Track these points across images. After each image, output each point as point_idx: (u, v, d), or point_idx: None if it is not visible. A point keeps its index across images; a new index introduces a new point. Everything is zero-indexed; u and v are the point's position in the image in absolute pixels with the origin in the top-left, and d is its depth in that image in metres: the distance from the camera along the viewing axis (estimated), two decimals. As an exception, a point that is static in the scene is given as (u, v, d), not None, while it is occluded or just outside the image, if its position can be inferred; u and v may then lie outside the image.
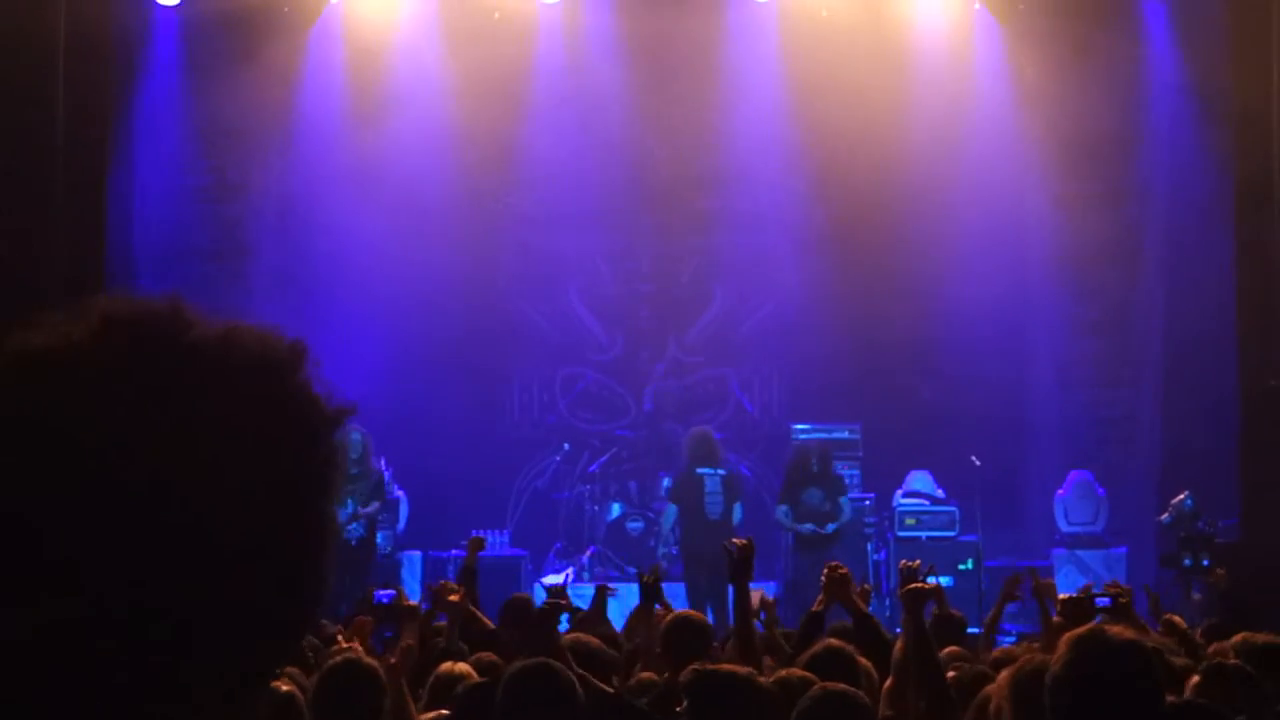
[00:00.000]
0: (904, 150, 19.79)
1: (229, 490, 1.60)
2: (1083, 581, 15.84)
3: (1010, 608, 11.41)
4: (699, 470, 17.49)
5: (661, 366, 20.78)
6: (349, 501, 16.99)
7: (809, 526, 17.30)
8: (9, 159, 16.65)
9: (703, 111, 20.37)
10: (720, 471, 17.58)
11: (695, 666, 6.24)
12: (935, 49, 19.81)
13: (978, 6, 19.60)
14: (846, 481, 18.06)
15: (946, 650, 8.59)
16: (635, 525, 19.15)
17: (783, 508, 17.64)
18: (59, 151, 17.01)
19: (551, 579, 16.71)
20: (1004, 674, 7.06)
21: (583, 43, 20.18)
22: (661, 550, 17.76)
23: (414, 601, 9.79)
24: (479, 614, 10.21)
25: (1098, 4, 19.38)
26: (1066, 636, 5.03)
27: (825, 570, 8.87)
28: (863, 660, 7.43)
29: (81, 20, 17.14)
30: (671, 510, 17.77)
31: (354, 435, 16.83)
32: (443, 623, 9.66)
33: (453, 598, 9.57)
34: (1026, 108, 19.60)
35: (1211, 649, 8.48)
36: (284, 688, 5.91)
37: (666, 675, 7.21)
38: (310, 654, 8.56)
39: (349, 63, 19.97)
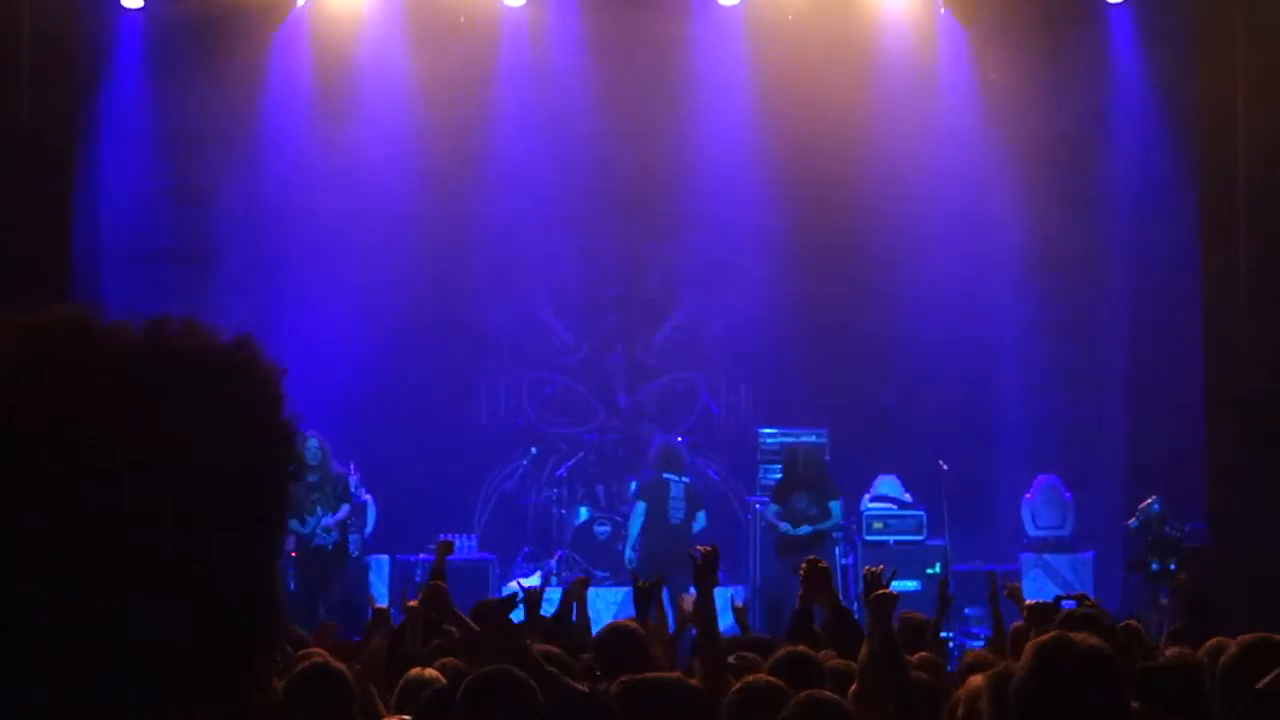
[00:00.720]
0: (869, 154, 19.79)
1: (157, 505, 1.55)
2: (1050, 585, 15.92)
3: (975, 611, 11.47)
4: (666, 475, 17.66)
5: (626, 370, 20.79)
6: (317, 509, 16.96)
7: (784, 526, 17.35)
8: (-27, 162, 16.61)
9: (669, 115, 20.35)
10: (685, 479, 17.82)
11: (624, 678, 6.21)
12: (900, 53, 19.82)
13: (942, 10, 19.61)
14: (837, 486, 18.06)
15: (916, 656, 8.59)
16: (603, 529, 19.14)
17: (773, 507, 17.74)
18: (24, 153, 16.95)
19: (529, 581, 16.65)
20: (978, 678, 7.07)
21: (548, 46, 20.16)
22: (628, 554, 17.81)
23: (382, 605, 9.76)
24: (460, 615, 10.20)
25: (1062, 8, 19.40)
26: (1031, 643, 5.02)
27: (804, 565, 8.78)
28: (840, 660, 7.41)
29: (46, 23, 17.09)
30: (640, 509, 17.83)
31: (311, 442, 16.81)
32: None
33: (411, 603, 9.57)
34: (991, 112, 19.61)
35: (1170, 652, 8.49)
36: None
37: (594, 685, 7.15)
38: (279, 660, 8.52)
39: (315, 65, 19.91)
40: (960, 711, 6.86)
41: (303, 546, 17.07)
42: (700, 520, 17.75)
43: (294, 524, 16.51)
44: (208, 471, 1.59)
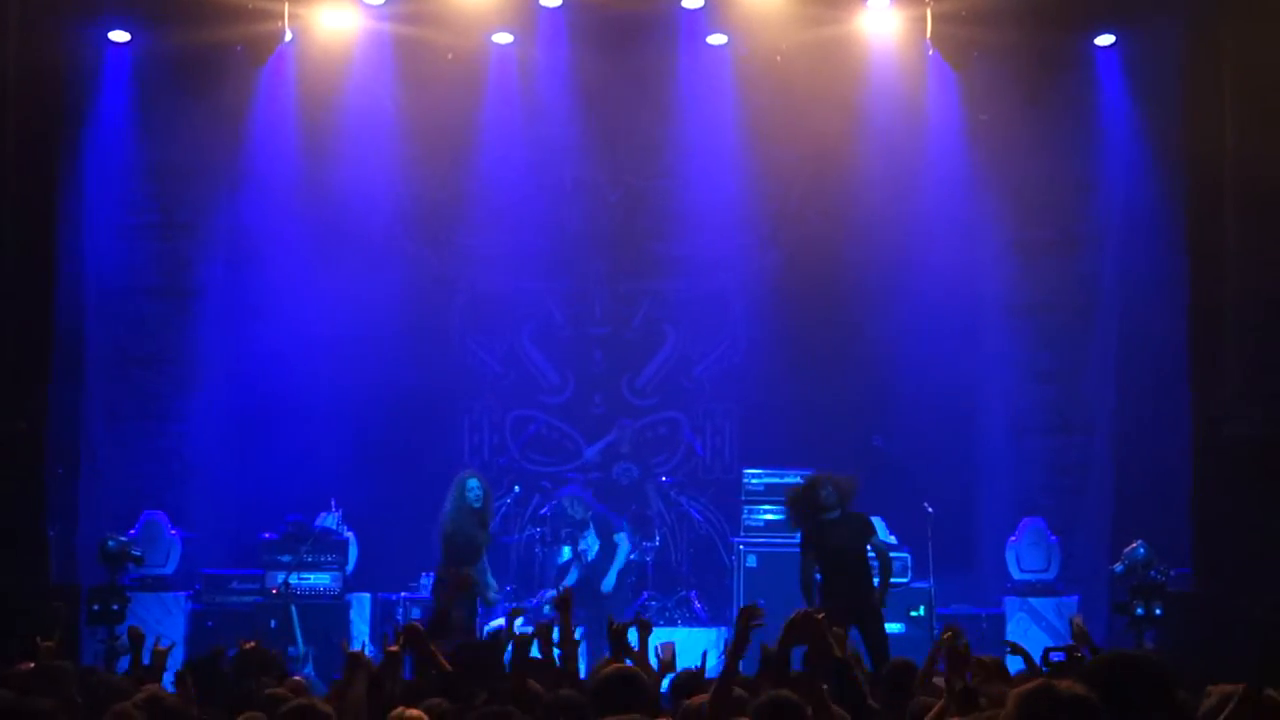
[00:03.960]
0: (857, 195, 19.80)
1: None
2: (1035, 628, 15.82)
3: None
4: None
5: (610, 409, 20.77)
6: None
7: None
8: (-44, 195, 16.55)
9: (656, 154, 20.36)
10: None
11: None
12: (889, 94, 19.79)
13: (931, 52, 19.59)
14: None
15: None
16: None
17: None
18: (8, 187, 16.89)
19: (496, 623, 16.57)
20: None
21: (535, 84, 20.14)
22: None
23: (356, 650, 9.67)
24: (438, 656, 10.13)
25: (1051, 51, 19.38)
26: (1015, 692, 4.98)
27: (797, 614, 8.52)
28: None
29: (31, 56, 17.04)
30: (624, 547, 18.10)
31: (472, 481, 16.54)
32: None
33: (391, 648, 9.51)
34: (980, 154, 19.59)
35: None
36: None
37: None
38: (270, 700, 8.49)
39: (300, 102, 19.87)
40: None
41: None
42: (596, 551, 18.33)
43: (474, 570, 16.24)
44: None
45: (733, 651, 7.81)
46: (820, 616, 7.99)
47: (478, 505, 16.36)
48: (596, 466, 20.27)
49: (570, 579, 18.31)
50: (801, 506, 15.51)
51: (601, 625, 16.85)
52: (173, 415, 19.57)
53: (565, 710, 7.81)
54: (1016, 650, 10.80)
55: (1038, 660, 10.20)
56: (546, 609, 17.58)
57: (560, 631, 10.17)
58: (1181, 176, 17.95)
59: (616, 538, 18.27)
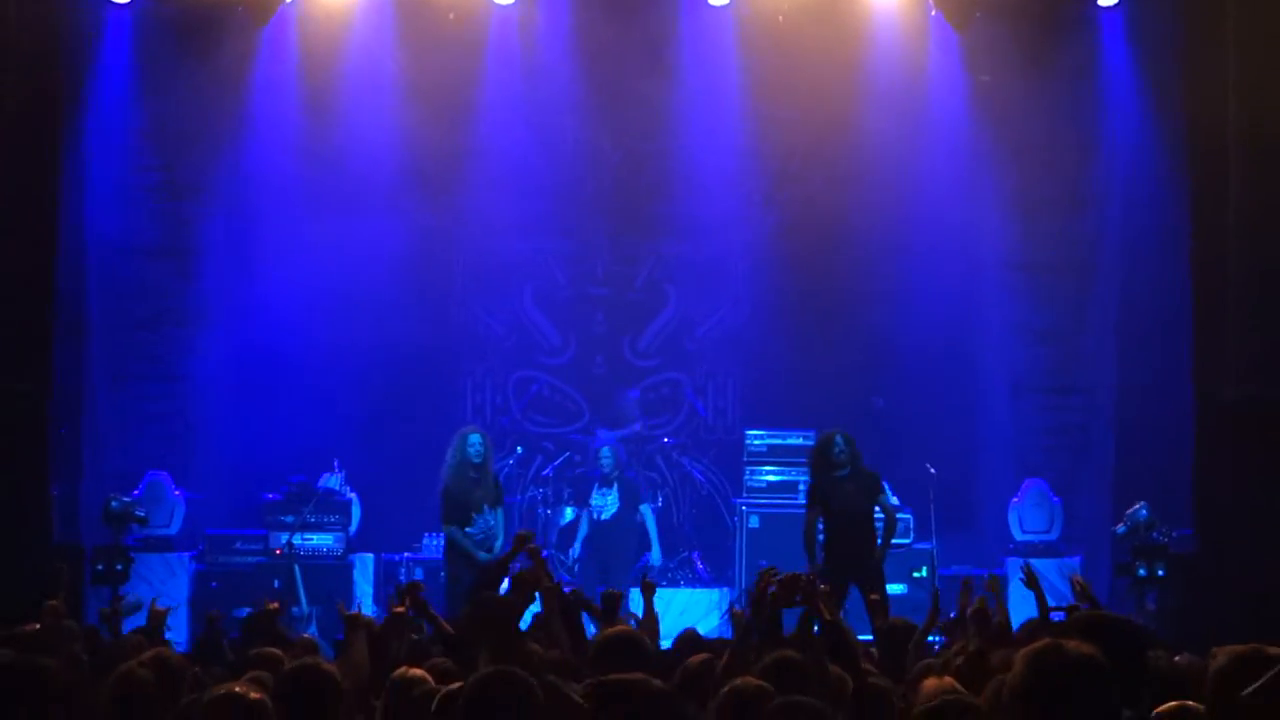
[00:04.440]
0: (858, 156, 19.78)
1: None
2: (1034, 592, 15.78)
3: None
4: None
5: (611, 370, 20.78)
6: (484, 508, 16.29)
7: None
8: (-42, 157, 16.54)
9: (657, 115, 20.31)
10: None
11: (592, 680, 6.18)
12: (890, 55, 19.77)
13: (933, 13, 19.56)
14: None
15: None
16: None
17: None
18: (9, 149, 16.86)
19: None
20: (932, 682, 7.04)
21: (537, 45, 20.10)
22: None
23: (352, 612, 9.69)
24: (437, 616, 10.18)
25: (1053, 12, 19.35)
26: (1024, 652, 4.99)
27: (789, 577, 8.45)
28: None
29: (32, 17, 17.00)
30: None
31: (473, 437, 16.43)
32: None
33: (398, 608, 9.55)
34: (981, 115, 19.57)
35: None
36: (253, 695, 5.84)
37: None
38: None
39: (302, 63, 19.84)
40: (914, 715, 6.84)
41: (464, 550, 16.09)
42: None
43: (454, 530, 16.18)
44: None
45: (752, 614, 7.82)
46: (809, 579, 8.00)
47: (478, 461, 16.31)
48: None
49: (581, 534, 18.30)
50: (812, 460, 15.58)
51: (613, 583, 16.98)
52: (176, 376, 19.58)
53: (564, 671, 7.82)
54: (1031, 584, 10.79)
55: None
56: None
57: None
58: (1184, 137, 17.94)
59: (643, 509, 18.19)
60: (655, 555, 18.03)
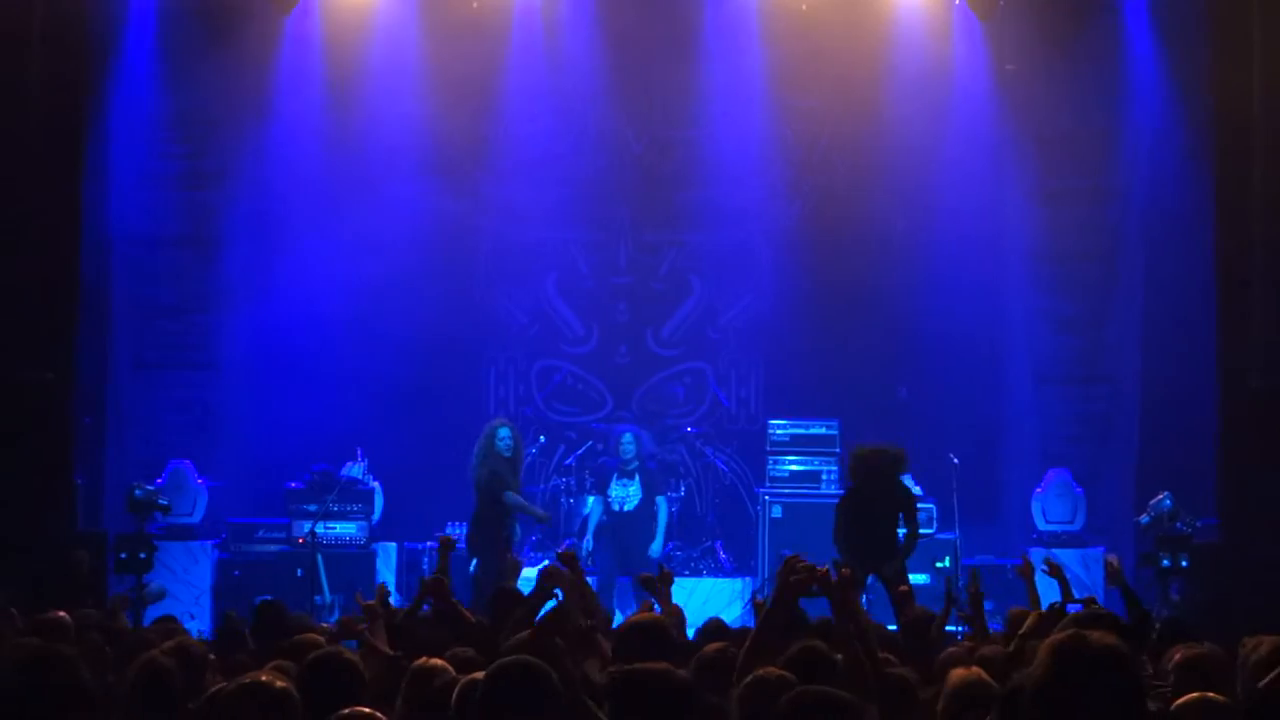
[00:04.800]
0: (883, 145, 19.76)
1: None
2: (1057, 581, 15.74)
3: (988, 606, 11.40)
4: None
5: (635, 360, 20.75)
6: None
7: None
8: (-17, 145, 16.57)
9: (681, 104, 20.31)
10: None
11: (613, 669, 6.17)
12: (915, 44, 19.74)
13: (958, 2, 19.54)
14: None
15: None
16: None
17: None
18: (34, 138, 16.90)
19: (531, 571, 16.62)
20: (960, 672, 7.02)
21: (560, 33, 20.10)
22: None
23: (370, 601, 9.70)
24: (460, 607, 10.18)
25: (1078, 1, 19.31)
26: (1046, 643, 4.95)
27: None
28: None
29: (57, 6, 17.03)
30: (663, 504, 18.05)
31: (503, 430, 16.57)
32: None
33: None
34: (1006, 103, 19.54)
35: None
36: (279, 683, 5.84)
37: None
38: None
39: (326, 51, 19.86)
40: (940, 706, 6.83)
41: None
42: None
43: (512, 496, 16.31)
44: None
45: (774, 602, 7.80)
46: (825, 571, 7.94)
47: (507, 454, 16.40)
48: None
49: (591, 525, 18.19)
50: (856, 464, 15.44)
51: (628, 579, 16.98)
52: (199, 364, 19.61)
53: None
54: (1055, 573, 10.81)
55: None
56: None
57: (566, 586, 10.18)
58: (1209, 127, 17.88)
59: (659, 500, 18.12)
60: (656, 546, 17.89)
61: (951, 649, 9.14)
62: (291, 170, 19.75)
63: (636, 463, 18.02)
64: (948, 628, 11.05)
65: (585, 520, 18.55)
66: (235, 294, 19.66)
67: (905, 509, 15.09)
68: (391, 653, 8.52)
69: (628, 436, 18.14)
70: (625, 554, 17.69)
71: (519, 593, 11.10)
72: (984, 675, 7.01)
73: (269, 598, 13.12)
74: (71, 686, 5.55)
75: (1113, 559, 11.54)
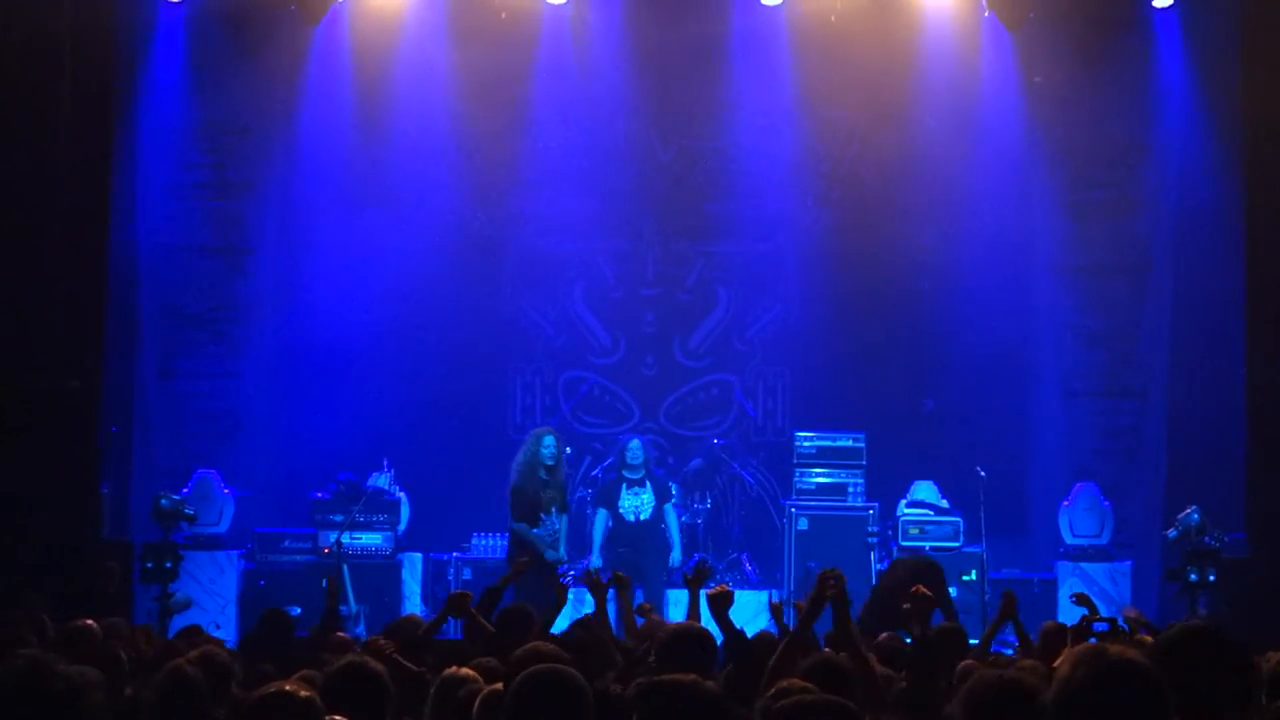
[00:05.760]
0: (911, 157, 19.74)
1: None
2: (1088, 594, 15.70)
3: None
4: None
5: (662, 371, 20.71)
6: (552, 509, 16.49)
7: None
8: (13, 154, 16.61)
9: (709, 115, 20.32)
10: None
11: (641, 680, 6.15)
12: (944, 55, 19.71)
13: (987, 14, 19.50)
14: None
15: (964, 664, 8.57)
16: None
17: None
18: (63, 147, 16.94)
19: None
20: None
21: (589, 44, 20.11)
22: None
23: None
24: (480, 619, 10.18)
25: (1108, 13, 19.25)
26: (1070, 653, 4.95)
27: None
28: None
29: (86, 16, 17.09)
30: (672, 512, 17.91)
31: (548, 439, 16.56)
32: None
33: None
34: (1035, 116, 19.50)
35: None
36: (303, 693, 5.84)
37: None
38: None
39: (354, 61, 19.90)
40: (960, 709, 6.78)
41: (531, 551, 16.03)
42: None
43: (522, 528, 16.33)
44: None
45: (807, 614, 7.79)
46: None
47: (550, 463, 16.41)
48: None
49: (598, 542, 17.99)
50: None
51: (650, 586, 16.91)
52: (226, 374, 19.63)
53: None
54: (1083, 601, 10.80)
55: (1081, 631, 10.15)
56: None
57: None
58: (1239, 139, 17.82)
59: (666, 508, 18.04)
60: (676, 556, 17.82)
61: (970, 661, 9.09)
62: (319, 180, 19.81)
63: (644, 470, 17.96)
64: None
65: (590, 537, 18.39)
66: (263, 304, 19.70)
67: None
68: (416, 669, 8.53)
69: (635, 442, 18.11)
70: (638, 565, 17.39)
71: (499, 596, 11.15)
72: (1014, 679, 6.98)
73: (297, 610, 13.12)
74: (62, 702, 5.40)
75: (1132, 612, 11.53)
